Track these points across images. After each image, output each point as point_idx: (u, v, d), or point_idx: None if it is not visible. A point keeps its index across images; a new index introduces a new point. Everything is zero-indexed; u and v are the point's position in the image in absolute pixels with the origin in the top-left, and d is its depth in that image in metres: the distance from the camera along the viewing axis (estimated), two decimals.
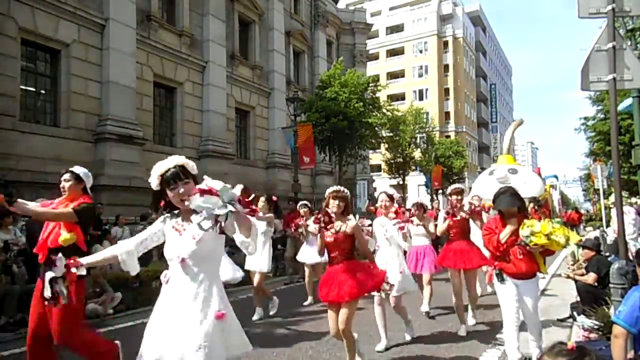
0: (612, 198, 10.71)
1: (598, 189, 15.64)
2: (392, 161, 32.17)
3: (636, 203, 9.60)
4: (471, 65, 59.16)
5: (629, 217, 8.43)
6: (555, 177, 28.98)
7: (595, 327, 4.59)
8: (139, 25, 13.31)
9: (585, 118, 22.43)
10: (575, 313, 5.43)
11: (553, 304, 6.84)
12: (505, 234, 3.72)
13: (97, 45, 12.28)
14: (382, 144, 29.70)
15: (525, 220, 3.63)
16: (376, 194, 5.84)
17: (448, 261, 5.56)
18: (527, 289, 3.80)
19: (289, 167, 18.93)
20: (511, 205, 3.75)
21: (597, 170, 14.47)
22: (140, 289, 7.50)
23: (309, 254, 7.03)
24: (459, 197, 5.66)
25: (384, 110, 21.92)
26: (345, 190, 3.89)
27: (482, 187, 17.12)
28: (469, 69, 57.90)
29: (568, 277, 6.64)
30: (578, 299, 5.83)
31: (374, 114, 20.25)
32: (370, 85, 20.61)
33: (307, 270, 7.37)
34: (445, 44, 53.95)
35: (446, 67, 53.30)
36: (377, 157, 36.02)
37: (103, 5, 12.34)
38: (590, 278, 5.64)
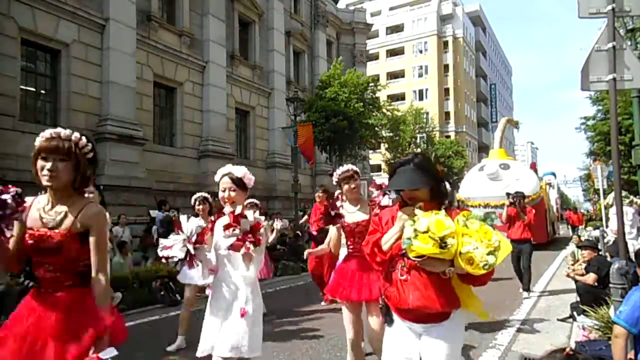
0: (609, 197, 10.73)
1: (598, 189, 15.62)
2: (392, 161, 32.18)
3: (636, 203, 9.58)
4: (471, 65, 59.17)
5: (626, 217, 8.42)
6: (553, 174, 28.33)
7: (595, 327, 4.59)
8: (139, 25, 13.31)
9: (585, 118, 22.45)
10: (575, 313, 5.43)
11: (553, 304, 6.85)
12: (389, 236, 2.12)
13: (97, 45, 12.27)
14: (382, 144, 29.74)
15: (417, 211, 2.01)
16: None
17: (342, 291, 3.53)
18: (434, 343, 2.10)
19: (289, 167, 18.93)
20: (411, 185, 2.10)
21: (597, 170, 14.46)
22: (140, 289, 7.51)
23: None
24: (353, 185, 3.63)
25: (384, 110, 21.94)
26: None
27: (472, 185, 16.88)
28: (469, 69, 57.91)
29: (568, 276, 6.64)
30: (578, 299, 5.83)
31: (374, 114, 20.27)
32: (370, 85, 20.62)
33: None
34: (445, 44, 53.96)
35: (446, 67, 53.31)
36: (377, 157, 36.04)
37: (103, 5, 12.33)
38: (590, 278, 5.64)
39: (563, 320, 5.75)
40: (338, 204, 3.71)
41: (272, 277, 6.49)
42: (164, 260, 3.03)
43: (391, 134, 28.85)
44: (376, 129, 21.08)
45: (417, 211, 2.01)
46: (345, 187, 3.66)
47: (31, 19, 10.77)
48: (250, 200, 6.03)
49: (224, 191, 2.74)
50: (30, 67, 11.24)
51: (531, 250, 7.57)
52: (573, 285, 6.33)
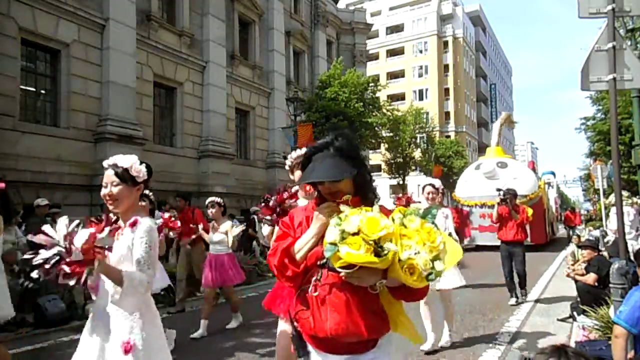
0: (611, 197, 10.72)
1: (598, 189, 15.61)
2: (392, 161, 32.21)
3: (636, 203, 9.58)
4: (471, 65, 59.17)
5: (627, 218, 8.41)
6: (552, 173, 28.16)
7: (595, 327, 4.59)
8: (139, 25, 13.30)
9: (585, 118, 22.48)
10: (575, 313, 5.43)
11: (553, 304, 6.85)
12: (304, 241, 1.67)
13: (97, 45, 12.27)
14: (382, 144, 29.74)
15: (343, 207, 1.56)
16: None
17: (279, 303, 2.91)
18: None
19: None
20: (332, 176, 1.64)
21: (597, 170, 14.46)
22: None
23: None
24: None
25: (384, 110, 21.95)
26: None
27: (468, 184, 16.76)
28: (469, 69, 57.92)
29: (568, 276, 6.64)
30: (578, 299, 5.83)
31: (374, 114, 20.28)
32: (370, 85, 20.63)
33: None
34: (445, 44, 53.97)
35: (446, 67, 53.32)
36: (377, 157, 36.04)
37: (103, 5, 12.33)
38: (591, 278, 5.64)
39: (563, 320, 5.75)
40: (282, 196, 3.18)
41: (245, 279, 6.32)
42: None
43: (391, 134, 28.84)
44: (376, 129, 21.09)
45: (343, 207, 1.55)
46: (297, 173, 2.90)
47: (31, 19, 10.76)
48: (211, 199, 5.76)
49: (105, 187, 2.16)
50: (30, 67, 11.24)
51: (524, 253, 7.01)
52: (573, 285, 6.32)
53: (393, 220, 1.52)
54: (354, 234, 1.43)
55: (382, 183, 40.73)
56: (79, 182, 11.33)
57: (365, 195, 1.69)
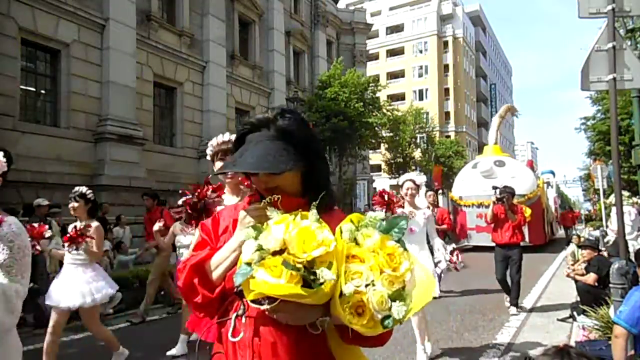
0: (611, 198, 10.72)
1: (598, 189, 15.61)
2: (392, 161, 32.19)
3: (637, 203, 9.57)
4: (471, 65, 59.16)
5: (628, 218, 8.39)
6: (552, 172, 27.96)
7: (595, 327, 4.59)
8: (139, 25, 13.30)
9: (585, 118, 22.49)
10: (575, 313, 5.43)
11: (553, 304, 6.85)
12: (223, 255, 1.21)
13: (97, 45, 12.27)
14: (382, 144, 29.74)
15: (270, 211, 1.11)
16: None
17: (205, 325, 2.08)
18: None
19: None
20: (266, 166, 1.14)
21: (597, 170, 14.46)
22: (140, 289, 7.50)
23: None
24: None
25: (384, 110, 21.94)
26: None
27: (465, 183, 16.62)
28: (469, 69, 57.90)
29: (568, 276, 6.64)
30: (578, 299, 5.84)
31: (374, 114, 20.27)
32: (370, 85, 20.63)
33: None
34: (445, 44, 53.96)
35: (446, 67, 53.30)
36: (377, 157, 36.02)
37: (103, 5, 12.33)
38: (591, 278, 5.64)
39: (563, 320, 5.75)
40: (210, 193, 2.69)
41: None
42: None
43: (391, 134, 28.84)
44: (376, 129, 21.09)
45: (271, 211, 1.10)
46: (218, 163, 2.58)
47: (31, 19, 10.76)
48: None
49: None
50: (30, 67, 11.24)
51: (521, 258, 6.37)
52: (573, 285, 6.33)
53: (340, 232, 1.06)
54: (275, 253, 1.00)
55: (382, 183, 40.69)
56: (79, 182, 11.16)
57: (315, 197, 1.15)
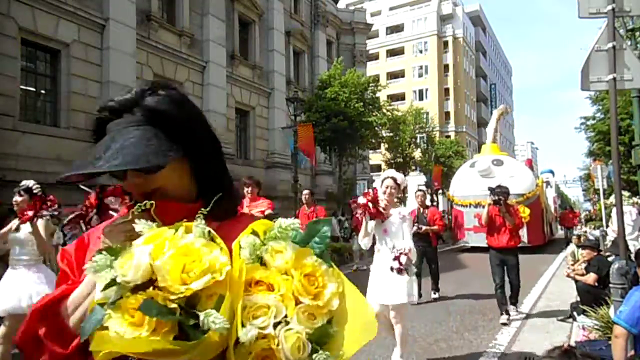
0: (611, 198, 10.72)
1: (598, 189, 15.60)
2: (392, 161, 32.17)
3: (637, 203, 9.57)
4: (471, 65, 59.17)
5: (629, 218, 8.39)
6: (551, 172, 27.76)
7: (595, 327, 4.59)
8: (139, 25, 13.31)
9: (585, 118, 22.45)
10: (575, 313, 5.44)
11: (553, 304, 6.85)
12: (82, 292, 0.78)
13: (97, 45, 12.27)
14: (382, 144, 29.74)
15: (138, 223, 0.73)
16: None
17: None
18: None
19: (289, 167, 18.92)
20: (130, 162, 0.77)
21: (597, 170, 14.46)
22: None
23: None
24: None
25: (384, 110, 21.93)
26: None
27: (463, 182, 16.49)
28: (469, 69, 57.91)
29: (568, 276, 6.64)
30: (578, 299, 5.84)
31: (374, 114, 20.26)
32: (370, 85, 20.61)
33: None
34: (445, 44, 53.96)
35: (446, 67, 53.31)
36: (377, 157, 36.01)
37: (103, 5, 12.33)
38: (591, 278, 5.64)
39: (563, 320, 5.76)
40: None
41: None
42: None
43: (391, 134, 28.83)
44: (376, 129, 21.08)
45: (140, 224, 0.74)
46: None
47: (31, 19, 10.76)
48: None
49: None
50: (30, 67, 11.24)
51: (518, 262, 6.04)
52: (573, 285, 6.33)
53: (240, 248, 0.74)
54: (137, 287, 0.66)
55: None
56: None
57: (210, 199, 0.87)
